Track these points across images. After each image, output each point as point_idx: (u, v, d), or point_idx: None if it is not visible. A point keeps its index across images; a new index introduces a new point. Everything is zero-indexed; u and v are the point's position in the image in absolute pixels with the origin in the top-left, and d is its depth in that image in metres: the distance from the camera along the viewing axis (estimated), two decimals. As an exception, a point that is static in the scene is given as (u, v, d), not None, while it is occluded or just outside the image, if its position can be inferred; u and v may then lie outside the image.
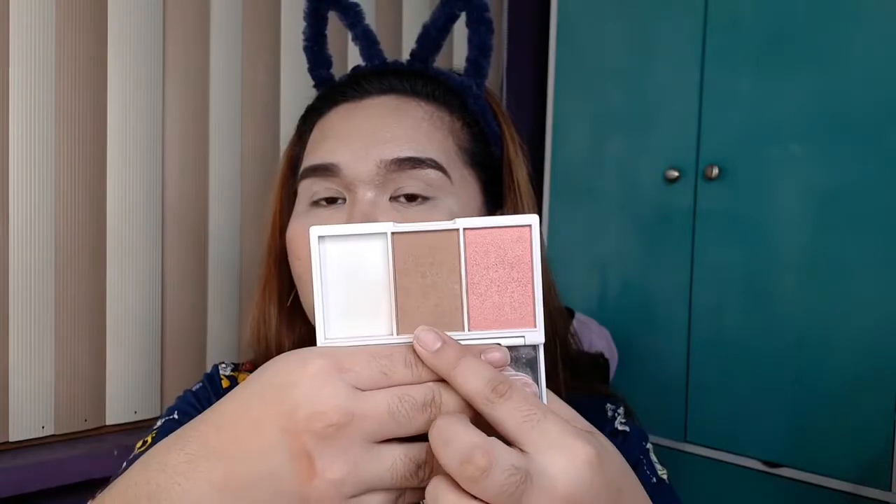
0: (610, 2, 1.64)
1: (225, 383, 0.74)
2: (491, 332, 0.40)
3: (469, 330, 0.40)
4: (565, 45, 1.73)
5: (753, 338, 1.41)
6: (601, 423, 0.72)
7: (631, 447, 0.71)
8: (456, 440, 0.35)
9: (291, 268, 0.67)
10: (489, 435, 0.36)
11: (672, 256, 1.53)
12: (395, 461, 0.37)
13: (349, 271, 0.40)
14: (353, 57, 1.41)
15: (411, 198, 0.63)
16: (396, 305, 0.40)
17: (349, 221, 0.62)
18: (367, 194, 0.63)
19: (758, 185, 1.41)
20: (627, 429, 0.72)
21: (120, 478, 0.44)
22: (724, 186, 1.45)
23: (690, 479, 1.48)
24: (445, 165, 0.64)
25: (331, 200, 0.65)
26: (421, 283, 0.40)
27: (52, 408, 1.18)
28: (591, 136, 1.68)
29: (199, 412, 0.70)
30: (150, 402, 1.28)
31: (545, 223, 1.75)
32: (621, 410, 0.74)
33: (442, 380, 0.38)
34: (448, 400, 0.38)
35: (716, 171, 1.45)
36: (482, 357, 0.38)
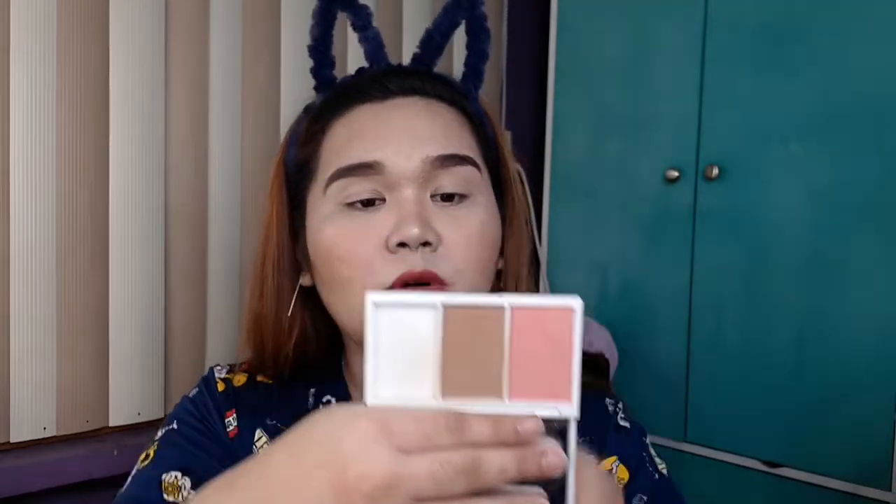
0: (610, 2, 1.64)
1: (221, 387, 0.73)
2: (528, 402, 0.43)
3: (509, 400, 0.43)
4: (565, 45, 1.72)
5: (753, 337, 1.41)
6: (603, 419, 0.73)
7: (632, 444, 0.72)
8: None
9: (326, 271, 0.66)
10: None
11: (672, 256, 1.53)
12: None
13: (400, 335, 0.43)
14: (353, 60, 1.41)
15: (449, 196, 0.65)
16: (442, 372, 0.43)
17: (399, 222, 0.62)
18: (411, 192, 0.63)
19: (758, 185, 1.41)
20: (628, 425, 0.73)
21: None
22: (724, 186, 1.45)
23: (690, 479, 1.48)
24: (478, 163, 0.67)
25: (367, 203, 0.64)
26: (466, 352, 0.43)
27: (54, 408, 1.18)
28: (591, 136, 1.68)
29: (198, 419, 0.71)
30: (154, 402, 1.28)
31: (545, 223, 1.76)
32: (621, 406, 0.75)
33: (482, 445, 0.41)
34: (487, 464, 0.40)
35: (716, 171, 1.45)
36: (518, 427, 0.41)
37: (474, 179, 0.66)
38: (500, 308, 0.43)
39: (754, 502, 1.43)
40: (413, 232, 0.61)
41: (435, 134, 0.65)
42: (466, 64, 0.72)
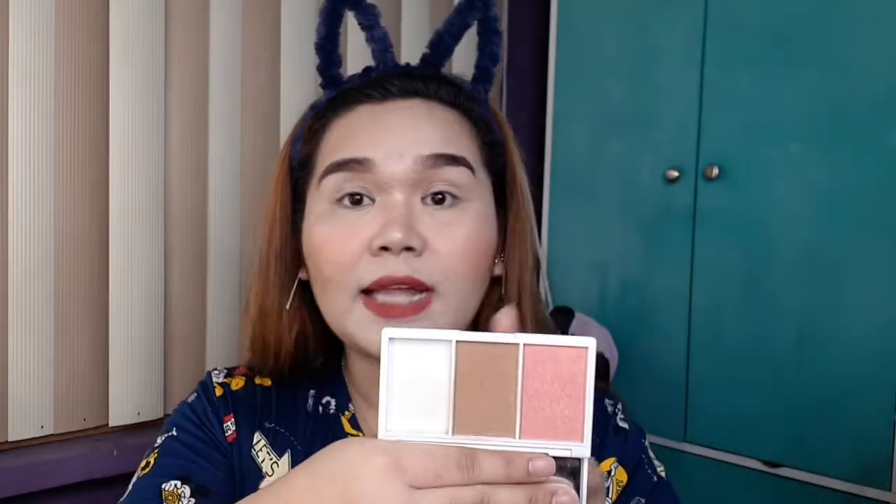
0: (610, 2, 1.64)
1: (218, 392, 0.73)
2: (540, 441, 0.43)
3: (520, 438, 0.43)
4: (565, 44, 1.72)
5: (753, 337, 1.41)
6: (602, 419, 0.72)
7: (631, 445, 0.71)
8: None
9: (315, 270, 0.66)
10: None
11: (672, 256, 1.53)
12: None
13: (413, 370, 0.44)
14: (354, 59, 1.41)
15: (440, 200, 0.64)
16: (454, 407, 0.43)
17: (386, 223, 0.62)
18: (400, 196, 0.63)
19: (758, 185, 1.41)
20: (627, 426, 0.73)
21: None
22: (724, 186, 1.45)
23: (690, 479, 1.48)
24: (474, 166, 0.66)
25: (356, 201, 0.64)
26: (479, 388, 0.43)
27: (52, 407, 1.18)
28: (591, 136, 1.68)
29: (197, 426, 0.70)
30: (153, 402, 1.28)
31: (545, 223, 1.76)
32: (620, 406, 0.74)
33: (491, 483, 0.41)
34: (496, 502, 0.41)
35: (716, 171, 1.45)
36: (529, 465, 0.41)
37: (467, 182, 0.65)
38: (514, 345, 0.43)
39: (754, 502, 1.43)
40: (395, 237, 0.60)
41: (429, 134, 0.65)
42: (476, 66, 0.71)
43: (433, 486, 0.40)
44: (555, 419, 0.43)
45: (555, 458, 0.42)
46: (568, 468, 0.43)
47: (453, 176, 0.64)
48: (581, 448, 0.43)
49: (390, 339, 0.43)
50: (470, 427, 0.43)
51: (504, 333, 0.44)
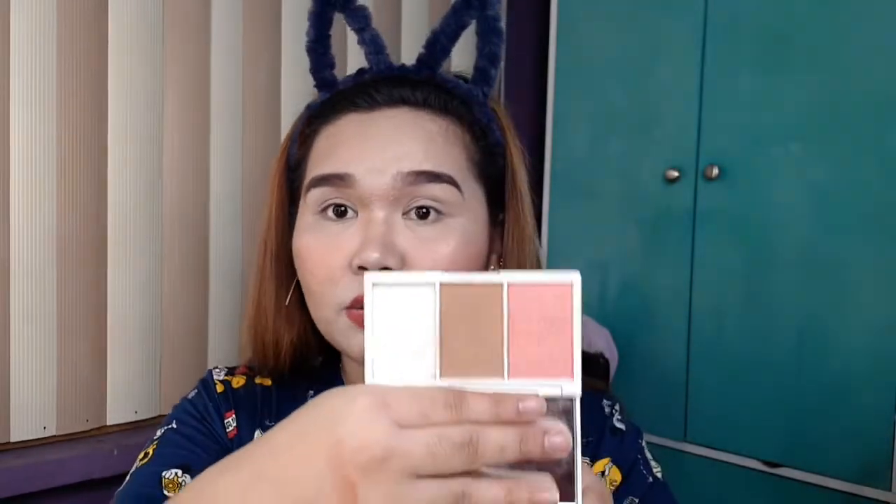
0: (610, 2, 1.64)
1: (219, 388, 0.73)
2: (529, 380, 0.42)
3: (509, 378, 0.42)
4: (565, 45, 1.73)
5: (753, 338, 1.41)
6: (599, 420, 0.72)
7: (627, 445, 0.71)
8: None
9: (301, 278, 0.67)
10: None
11: (672, 257, 1.53)
12: (433, 495, 0.39)
13: (398, 315, 0.43)
14: (353, 58, 1.41)
15: (423, 214, 0.63)
16: (441, 351, 0.42)
17: (364, 242, 0.62)
18: (380, 213, 0.63)
19: (758, 185, 1.41)
20: (623, 426, 0.73)
21: (170, 501, 0.48)
22: (724, 186, 1.45)
23: (690, 479, 1.49)
24: (460, 182, 0.64)
25: (340, 213, 0.64)
26: (464, 330, 0.42)
27: (54, 408, 1.18)
28: (591, 136, 1.68)
29: (198, 420, 0.71)
30: (150, 401, 1.28)
31: (545, 223, 1.76)
32: (618, 407, 0.74)
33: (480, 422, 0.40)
34: (485, 441, 0.39)
35: (716, 171, 1.45)
36: (519, 405, 0.40)
37: (451, 199, 0.64)
38: (498, 285, 0.42)
39: (754, 502, 1.43)
40: (372, 257, 0.60)
41: (412, 149, 0.64)
42: (475, 67, 0.69)
43: (420, 425, 0.39)
44: (542, 358, 0.42)
45: (546, 398, 0.41)
46: (560, 409, 0.42)
47: (436, 192, 0.63)
48: (571, 385, 0.42)
49: (373, 284, 0.42)
50: (457, 370, 0.42)
51: (487, 273, 0.43)
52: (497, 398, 0.40)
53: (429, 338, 0.43)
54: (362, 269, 0.61)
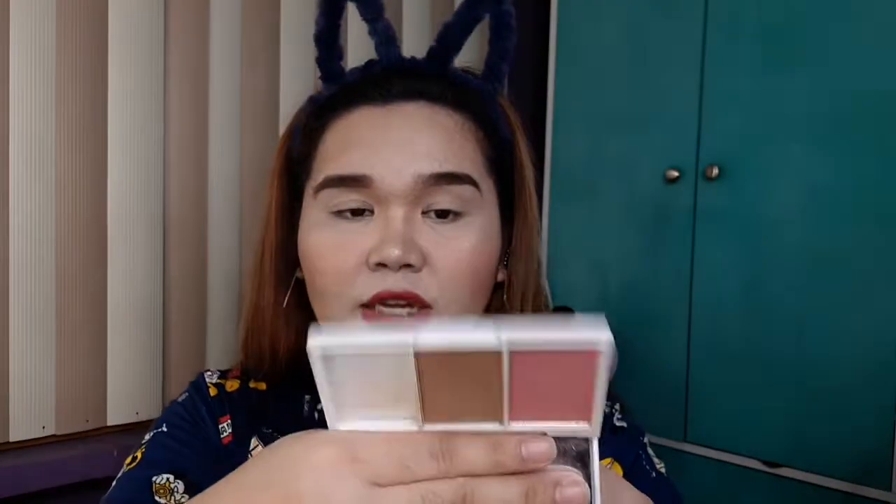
0: (610, 2, 1.64)
1: (213, 392, 0.71)
2: (535, 423, 0.33)
3: (510, 422, 0.33)
4: (565, 45, 1.72)
5: (753, 337, 1.41)
6: None
7: (629, 443, 0.71)
8: None
9: (310, 278, 0.64)
10: None
11: (672, 256, 1.53)
12: None
13: (362, 380, 0.33)
14: (352, 54, 1.41)
15: (443, 214, 0.62)
16: (422, 396, 0.33)
17: (384, 239, 0.59)
18: (399, 211, 0.61)
19: (758, 185, 1.41)
20: (624, 424, 0.72)
21: None
22: (724, 186, 1.45)
23: (690, 479, 1.48)
24: (478, 180, 0.63)
25: (356, 212, 0.62)
26: (453, 381, 0.32)
27: (53, 408, 1.18)
28: (591, 136, 1.68)
29: (188, 423, 0.69)
30: (151, 402, 1.28)
31: (545, 223, 1.75)
32: (618, 406, 0.74)
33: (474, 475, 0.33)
34: (483, 499, 0.32)
35: (716, 171, 1.45)
36: (522, 448, 0.32)
37: (471, 198, 0.62)
38: (496, 354, 0.31)
39: (754, 502, 1.43)
40: (394, 254, 0.58)
41: (432, 149, 0.62)
42: (486, 63, 0.68)
43: (400, 480, 0.32)
44: (552, 395, 0.32)
45: (555, 439, 0.32)
46: (573, 452, 0.33)
47: (456, 192, 0.62)
48: (587, 426, 0.33)
49: (323, 355, 0.32)
50: (443, 415, 0.32)
51: (483, 331, 0.31)
52: (495, 441, 0.32)
53: (407, 390, 0.33)
54: (380, 265, 0.59)
